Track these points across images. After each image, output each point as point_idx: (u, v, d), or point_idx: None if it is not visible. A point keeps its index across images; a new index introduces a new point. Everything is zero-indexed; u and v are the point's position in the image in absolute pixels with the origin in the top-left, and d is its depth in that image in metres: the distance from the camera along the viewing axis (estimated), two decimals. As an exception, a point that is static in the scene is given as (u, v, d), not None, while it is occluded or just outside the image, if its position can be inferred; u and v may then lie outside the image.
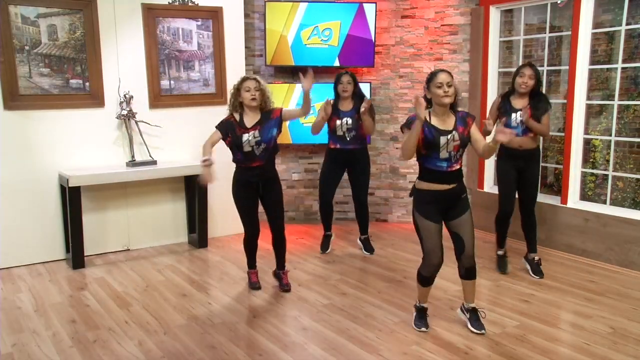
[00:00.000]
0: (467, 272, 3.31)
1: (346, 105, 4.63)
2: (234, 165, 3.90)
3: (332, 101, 4.65)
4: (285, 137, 5.60)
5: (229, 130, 3.75)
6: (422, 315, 3.42)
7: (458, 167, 3.18)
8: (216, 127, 3.81)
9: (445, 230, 3.24)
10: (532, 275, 4.27)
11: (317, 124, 4.58)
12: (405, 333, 3.33)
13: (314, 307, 3.78)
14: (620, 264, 4.50)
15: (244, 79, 3.80)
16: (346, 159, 4.75)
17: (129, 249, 5.11)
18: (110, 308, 3.80)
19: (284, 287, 4.07)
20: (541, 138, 4.50)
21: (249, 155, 3.77)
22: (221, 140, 3.80)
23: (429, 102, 3.13)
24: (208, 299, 3.97)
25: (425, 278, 3.28)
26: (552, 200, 5.03)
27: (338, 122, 4.62)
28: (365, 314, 3.67)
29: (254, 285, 4.09)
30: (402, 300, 3.84)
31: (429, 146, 3.08)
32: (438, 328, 3.43)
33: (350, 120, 4.61)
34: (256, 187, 3.87)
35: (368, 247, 4.96)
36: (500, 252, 4.45)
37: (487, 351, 3.13)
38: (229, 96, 5.19)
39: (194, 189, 5.15)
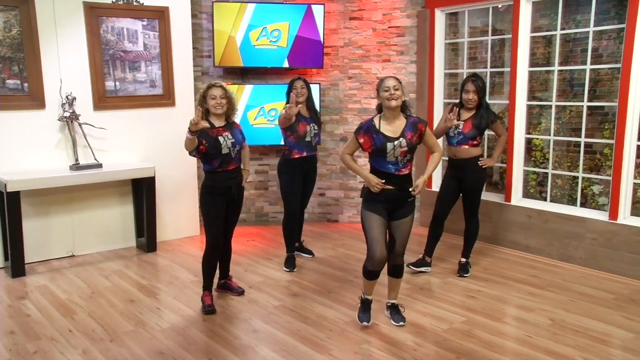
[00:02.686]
0: (394, 269, 3.47)
1: (304, 111, 4.44)
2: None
3: (298, 108, 4.28)
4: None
5: (202, 137, 3.55)
6: (366, 308, 3.47)
7: (407, 172, 3.26)
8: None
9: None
10: (456, 273, 4.38)
11: (283, 120, 4.33)
12: (356, 332, 3.37)
13: (265, 309, 3.77)
14: (560, 258, 4.69)
15: (209, 87, 3.66)
16: (308, 167, 4.57)
17: (74, 255, 4.94)
18: (52, 317, 3.66)
19: (238, 291, 4.03)
20: (485, 146, 4.77)
21: (226, 158, 3.65)
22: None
23: (380, 109, 3.29)
24: (157, 303, 3.89)
25: (370, 272, 3.32)
26: (497, 198, 5.20)
27: (308, 127, 4.43)
28: (317, 314, 3.68)
29: (209, 308, 3.72)
30: (353, 300, 3.88)
31: (377, 151, 3.20)
32: (388, 326, 3.48)
33: (315, 126, 4.51)
34: (230, 192, 3.72)
35: (306, 250, 4.97)
36: (427, 259, 4.47)
37: (435, 347, 3.20)
38: (176, 98, 5.25)
39: (142, 193, 5.04)
